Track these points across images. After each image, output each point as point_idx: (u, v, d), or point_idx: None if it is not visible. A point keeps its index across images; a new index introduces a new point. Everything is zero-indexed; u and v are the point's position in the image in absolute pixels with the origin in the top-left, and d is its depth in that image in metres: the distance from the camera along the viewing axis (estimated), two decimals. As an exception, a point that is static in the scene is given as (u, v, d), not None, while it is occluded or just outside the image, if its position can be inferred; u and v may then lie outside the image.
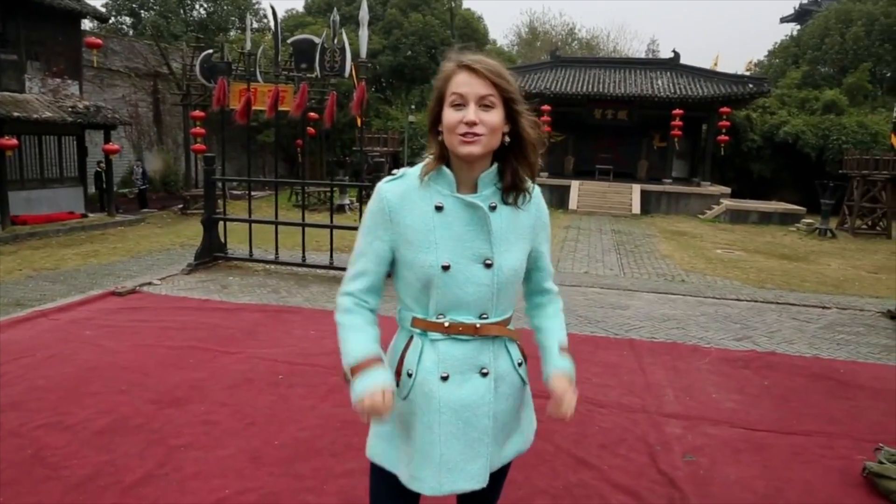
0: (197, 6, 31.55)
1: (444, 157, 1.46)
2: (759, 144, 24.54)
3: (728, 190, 22.31)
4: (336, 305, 1.56)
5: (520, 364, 1.58)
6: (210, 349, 4.45)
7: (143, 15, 30.19)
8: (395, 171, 1.53)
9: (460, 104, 1.38)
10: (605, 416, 3.52)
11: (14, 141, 13.80)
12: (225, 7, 31.58)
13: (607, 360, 4.52)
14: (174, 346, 4.53)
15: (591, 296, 6.62)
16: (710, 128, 22.70)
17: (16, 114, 14.19)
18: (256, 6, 33.29)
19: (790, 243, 15.61)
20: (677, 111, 21.56)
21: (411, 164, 1.56)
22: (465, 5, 33.13)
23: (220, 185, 8.09)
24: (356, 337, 1.49)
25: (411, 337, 1.53)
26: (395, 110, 27.79)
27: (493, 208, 1.46)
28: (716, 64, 24.59)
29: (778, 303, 6.59)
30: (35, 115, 14.75)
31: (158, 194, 21.92)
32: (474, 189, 1.47)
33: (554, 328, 1.63)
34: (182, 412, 3.44)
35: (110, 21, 28.99)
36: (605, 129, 24.54)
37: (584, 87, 22.99)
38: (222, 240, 7.79)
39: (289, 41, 8.15)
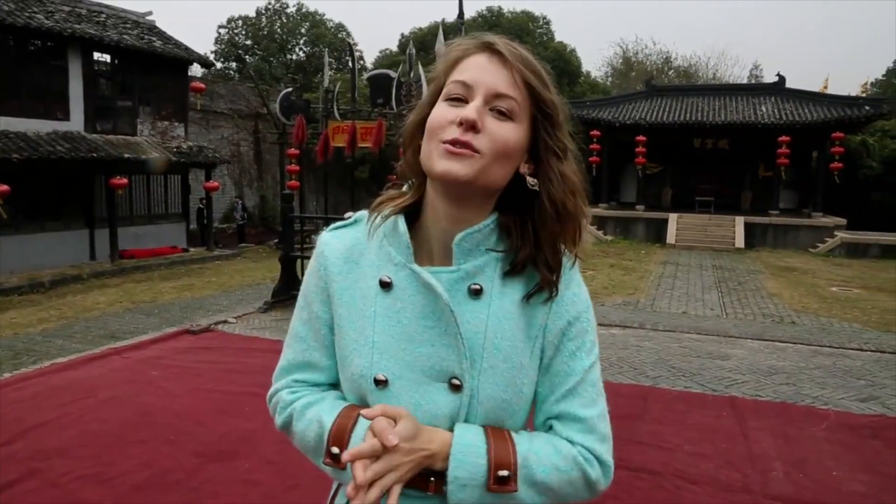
0: (297, 50, 33.10)
1: (419, 197, 0.95)
2: (879, 171, 22.51)
3: (843, 221, 20.50)
4: (271, 413, 1.06)
5: None
6: (268, 395, 4.24)
7: (247, 60, 31.99)
8: (348, 213, 1.03)
9: (460, 98, 0.87)
10: (696, 496, 2.97)
11: (124, 180, 14.69)
12: (323, 49, 32.98)
13: (703, 422, 3.93)
14: (234, 391, 4.36)
15: (686, 343, 5.99)
16: (822, 155, 21.07)
17: (127, 155, 15.15)
18: (356, 46, 34.59)
19: (920, 281, 13.98)
20: (783, 138, 20.15)
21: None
22: (558, 38, 32.91)
23: (318, 222, 8.08)
24: (316, 412, 0.95)
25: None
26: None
27: (475, 292, 0.89)
28: (825, 87, 22.93)
29: (911, 354, 5.71)
30: (144, 156, 15.69)
31: (257, 229, 22.75)
32: (451, 256, 0.91)
33: (539, 444, 0.90)
34: (225, 468, 3.20)
35: (218, 67, 30.91)
36: (705, 159, 23.33)
37: (682, 116, 22.01)
38: (300, 277, 7.75)
39: (364, 76, 8.14)
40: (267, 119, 22.97)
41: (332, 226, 1.02)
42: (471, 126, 0.83)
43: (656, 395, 4.47)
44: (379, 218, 0.94)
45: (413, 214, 0.94)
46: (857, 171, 22.28)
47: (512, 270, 0.91)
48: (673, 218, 21.19)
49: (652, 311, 9.43)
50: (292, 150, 18.10)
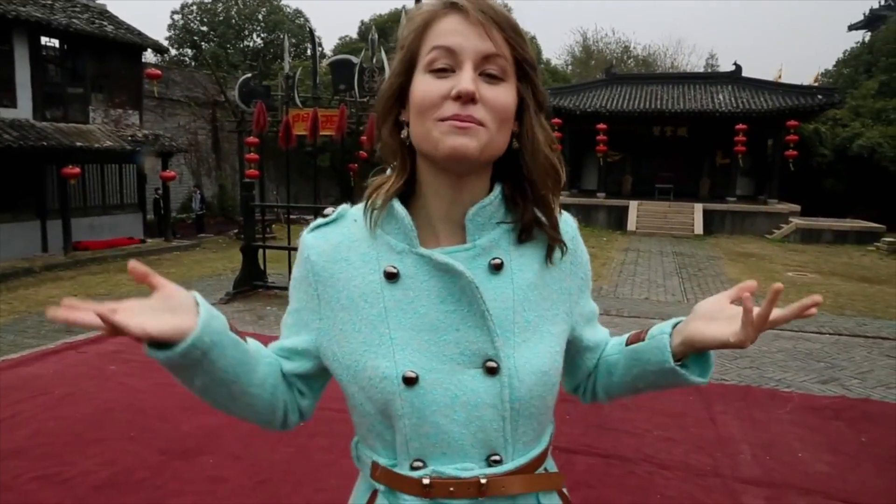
0: (254, 36, 32.39)
1: (408, 177, 0.87)
2: (831, 159, 23.20)
3: (797, 208, 21.09)
4: None
5: None
6: (233, 389, 4.13)
7: (203, 46, 31.18)
8: (328, 209, 0.95)
9: (446, 68, 0.80)
10: (669, 482, 3.00)
11: (77, 170, 14.18)
12: (281, 36, 32.32)
13: (671, 407, 3.97)
14: (197, 385, 4.24)
15: (651, 328, 6.06)
16: (777, 143, 21.59)
17: (79, 144, 14.62)
18: (316, 32, 33.91)
19: (870, 264, 14.47)
20: (740, 126, 20.57)
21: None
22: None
23: (278, 211, 7.91)
24: None
25: (374, 494, 0.89)
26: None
27: (496, 267, 0.85)
28: (779, 76, 23.46)
29: (867, 336, 5.88)
30: (97, 145, 15.17)
31: (216, 219, 22.26)
32: (460, 234, 0.86)
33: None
34: (190, 465, 3.11)
35: (173, 54, 30.05)
36: (665, 147, 23.68)
37: (641, 105, 22.27)
38: (262, 267, 7.59)
39: (325, 62, 7.99)
40: (225, 107, 22.38)
41: (312, 225, 0.93)
42: (470, 98, 0.78)
43: (625, 381, 4.49)
44: (376, 211, 0.87)
45: (404, 197, 0.87)
46: (810, 159, 22.89)
47: (521, 239, 0.89)
48: (633, 205, 21.48)
49: (615, 297, 9.53)
50: (251, 139, 17.77)
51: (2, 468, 3.02)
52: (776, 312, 0.81)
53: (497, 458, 0.84)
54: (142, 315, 0.73)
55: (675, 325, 0.91)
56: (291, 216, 19.79)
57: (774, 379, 4.66)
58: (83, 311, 0.69)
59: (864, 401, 4.19)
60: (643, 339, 0.94)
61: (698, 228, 20.04)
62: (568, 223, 0.95)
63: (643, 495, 2.86)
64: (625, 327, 6.26)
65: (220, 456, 3.21)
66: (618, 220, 21.14)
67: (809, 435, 3.60)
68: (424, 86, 0.80)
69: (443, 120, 0.78)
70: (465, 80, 0.78)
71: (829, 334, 6.00)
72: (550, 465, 0.95)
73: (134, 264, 0.74)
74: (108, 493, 2.83)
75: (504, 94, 0.81)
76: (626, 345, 0.97)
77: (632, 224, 20.66)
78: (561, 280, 0.92)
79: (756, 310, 0.80)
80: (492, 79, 0.80)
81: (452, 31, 0.80)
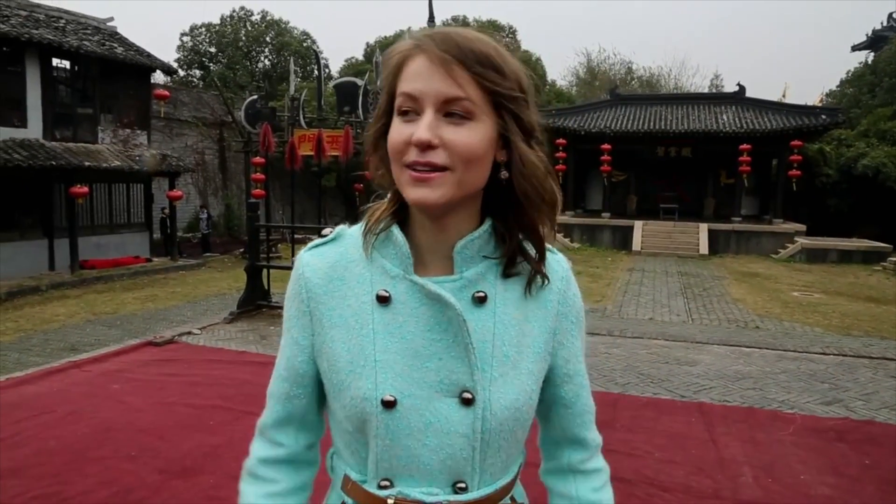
0: (262, 58, 32.78)
1: (399, 205, 0.88)
2: (835, 179, 23.19)
3: (803, 227, 21.04)
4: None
5: None
6: (234, 409, 4.15)
7: (211, 68, 31.57)
8: (326, 230, 0.95)
9: (409, 111, 0.80)
10: None
11: (85, 189, 14.32)
12: (288, 57, 32.69)
13: (673, 428, 3.95)
14: (198, 404, 4.26)
15: (654, 349, 6.04)
16: (781, 162, 21.60)
17: (87, 163, 14.78)
18: (321, 54, 34.30)
19: (876, 284, 14.38)
20: (744, 146, 20.60)
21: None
22: (524, 48, 33.20)
23: (283, 231, 7.96)
24: None
25: None
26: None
27: (479, 300, 0.86)
28: (784, 95, 23.56)
29: (872, 357, 5.83)
30: (105, 165, 15.33)
31: (222, 238, 22.37)
32: (447, 264, 0.87)
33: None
34: (188, 485, 3.11)
35: (182, 74, 30.43)
36: (669, 167, 23.73)
37: (646, 125, 22.36)
38: (266, 287, 7.62)
39: (331, 84, 8.09)
40: (232, 127, 22.61)
41: (311, 244, 0.94)
42: (426, 146, 0.77)
43: (626, 402, 4.48)
44: (372, 235, 0.88)
45: (400, 223, 0.89)
46: (814, 179, 22.90)
47: (507, 271, 0.88)
48: (638, 225, 21.47)
49: (619, 317, 9.50)
50: (257, 159, 17.93)
51: (1, 487, 3.03)
52: None
53: (463, 485, 0.86)
54: None
55: None
56: (296, 236, 19.80)
57: (777, 400, 4.63)
58: None
59: (868, 422, 4.15)
60: None
61: (703, 248, 20.00)
62: (560, 264, 0.95)
63: (643, 517, 2.84)
64: (628, 348, 6.27)
65: (219, 476, 3.21)
66: (623, 239, 21.13)
67: (812, 457, 3.57)
68: (394, 131, 0.81)
69: (408, 166, 0.79)
70: (421, 128, 0.77)
71: (834, 355, 5.95)
72: (519, 492, 0.96)
73: None
74: (106, 513, 2.84)
75: (468, 135, 0.78)
76: None
77: (637, 244, 20.64)
78: (545, 318, 0.91)
79: None
80: (458, 118, 0.79)
81: (416, 76, 0.79)
